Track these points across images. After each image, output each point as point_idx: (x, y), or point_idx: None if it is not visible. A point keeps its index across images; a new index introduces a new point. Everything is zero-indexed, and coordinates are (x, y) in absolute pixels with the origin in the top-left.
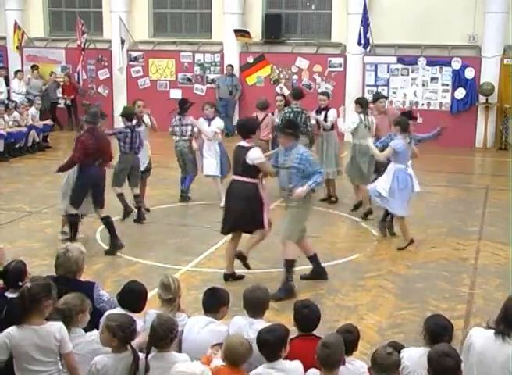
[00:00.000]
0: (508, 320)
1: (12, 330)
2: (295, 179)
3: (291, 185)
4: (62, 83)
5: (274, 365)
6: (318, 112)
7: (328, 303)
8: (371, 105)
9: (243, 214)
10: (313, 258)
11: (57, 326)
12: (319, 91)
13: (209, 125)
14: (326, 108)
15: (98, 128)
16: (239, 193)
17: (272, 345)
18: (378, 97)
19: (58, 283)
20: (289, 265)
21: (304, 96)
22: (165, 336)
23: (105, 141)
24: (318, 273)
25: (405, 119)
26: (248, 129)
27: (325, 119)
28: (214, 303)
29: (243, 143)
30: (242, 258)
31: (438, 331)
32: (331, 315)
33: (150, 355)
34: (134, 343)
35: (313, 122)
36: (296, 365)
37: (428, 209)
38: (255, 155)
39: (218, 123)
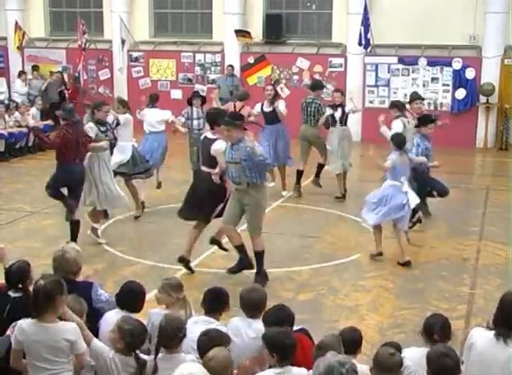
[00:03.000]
0: (507, 322)
1: (23, 323)
2: (248, 172)
3: (247, 179)
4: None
5: (283, 371)
6: (334, 107)
7: (328, 303)
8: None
9: (202, 205)
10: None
11: (69, 327)
12: (328, 86)
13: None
14: (342, 105)
15: (77, 124)
16: (204, 184)
17: (289, 349)
18: (413, 97)
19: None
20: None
21: (320, 88)
22: (173, 335)
23: (83, 136)
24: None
25: (401, 135)
26: (214, 119)
27: (343, 115)
28: (214, 303)
29: (210, 134)
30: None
31: (431, 326)
32: (331, 315)
33: (158, 356)
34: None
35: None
36: (303, 372)
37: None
38: (216, 147)
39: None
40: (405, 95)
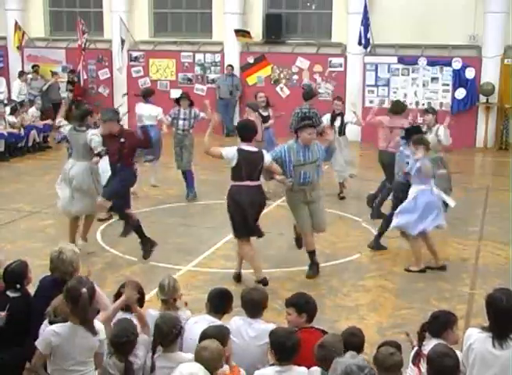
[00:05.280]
0: (498, 325)
1: (56, 327)
2: (319, 170)
3: (318, 177)
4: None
5: (283, 369)
6: (333, 116)
7: (328, 303)
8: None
9: (255, 220)
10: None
11: (101, 326)
12: (320, 91)
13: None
14: (341, 114)
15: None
16: (257, 198)
17: (288, 350)
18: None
19: (56, 285)
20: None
21: (312, 97)
22: (169, 332)
23: None
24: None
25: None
26: (250, 131)
27: (342, 125)
28: (218, 304)
29: (249, 148)
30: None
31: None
32: (331, 315)
33: (156, 355)
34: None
35: (324, 122)
36: (304, 371)
37: None
38: (268, 158)
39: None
40: (405, 95)
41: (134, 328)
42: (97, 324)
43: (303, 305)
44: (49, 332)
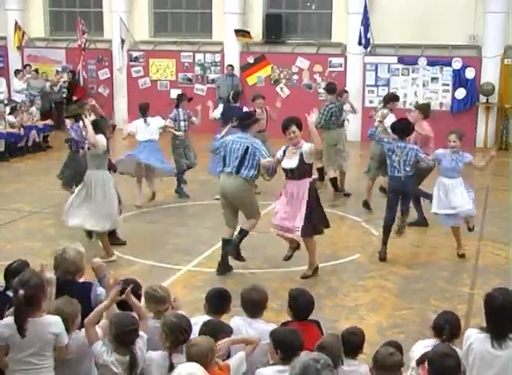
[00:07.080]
0: (496, 325)
1: (8, 319)
2: None
3: None
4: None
5: (286, 369)
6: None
7: (328, 303)
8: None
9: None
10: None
11: (54, 320)
12: (320, 91)
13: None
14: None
15: None
16: None
17: (295, 349)
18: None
19: (58, 284)
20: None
21: (335, 91)
22: (179, 335)
23: None
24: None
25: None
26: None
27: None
28: (217, 304)
29: None
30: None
31: (440, 323)
32: (331, 315)
33: (158, 353)
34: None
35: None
36: None
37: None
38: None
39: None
40: (405, 95)
41: (134, 318)
42: (50, 318)
43: (290, 300)
44: (1, 324)
